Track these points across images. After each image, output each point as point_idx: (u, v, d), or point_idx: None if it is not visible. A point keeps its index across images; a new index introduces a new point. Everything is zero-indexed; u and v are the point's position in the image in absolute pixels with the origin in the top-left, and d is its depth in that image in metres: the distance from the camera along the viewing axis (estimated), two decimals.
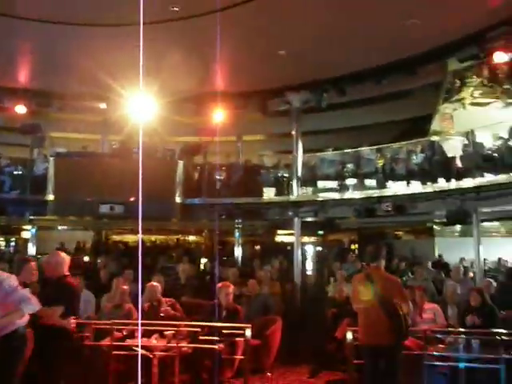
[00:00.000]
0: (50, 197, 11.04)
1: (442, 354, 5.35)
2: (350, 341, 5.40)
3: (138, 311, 6.43)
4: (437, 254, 13.46)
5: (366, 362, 4.84)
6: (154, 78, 8.85)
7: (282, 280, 10.14)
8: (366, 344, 4.81)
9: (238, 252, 13.77)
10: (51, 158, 11.33)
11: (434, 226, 15.29)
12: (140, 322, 5.02)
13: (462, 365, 5.23)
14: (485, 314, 6.05)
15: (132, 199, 9.93)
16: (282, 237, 18.10)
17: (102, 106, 11.89)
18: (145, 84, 7.88)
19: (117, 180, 10.35)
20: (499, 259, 13.17)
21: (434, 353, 5.38)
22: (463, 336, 5.54)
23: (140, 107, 9.66)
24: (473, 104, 13.77)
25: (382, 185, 10.92)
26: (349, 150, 11.70)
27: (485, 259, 12.08)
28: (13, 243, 18.29)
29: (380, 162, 11.97)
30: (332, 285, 9.17)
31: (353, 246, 17.24)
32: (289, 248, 13.67)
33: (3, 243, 18.32)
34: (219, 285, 6.41)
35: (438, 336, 5.75)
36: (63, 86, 11.24)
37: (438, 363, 5.35)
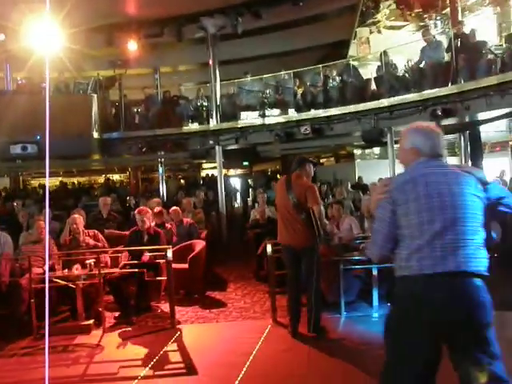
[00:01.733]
0: None
1: (357, 259, 5.68)
2: (271, 253, 5.57)
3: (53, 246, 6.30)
4: (357, 177, 14.00)
5: (287, 263, 5.07)
6: (59, 6, 8.14)
7: (207, 210, 10.18)
8: (285, 244, 5.03)
9: (164, 188, 13.64)
10: None
11: (355, 151, 15.83)
12: (47, 245, 4.86)
13: (374, 267, 5.59)
14: None
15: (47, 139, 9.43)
16: (208, 171, 18.10)
17: (1, 37, 10.91)
18: (49, 12, 7.26)
19: (27, 118, 9.72)
20: None
21: (350, 258, 5.70)
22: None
23: (44, 38, 8.94)
24: (387, 28, 14.02)
25: (301, 111, 11.05)
26: (267, 76, 11.61)
27: None
28: None
29: (300, 90, 12.06)
30: (255, 208, 9.34)
31: (278, 176, 17.57)
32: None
33: None
34: (137, 210, 6.32)
35: (355, 243, 6.07)
36: None
37: (353, 267, 5.67)
